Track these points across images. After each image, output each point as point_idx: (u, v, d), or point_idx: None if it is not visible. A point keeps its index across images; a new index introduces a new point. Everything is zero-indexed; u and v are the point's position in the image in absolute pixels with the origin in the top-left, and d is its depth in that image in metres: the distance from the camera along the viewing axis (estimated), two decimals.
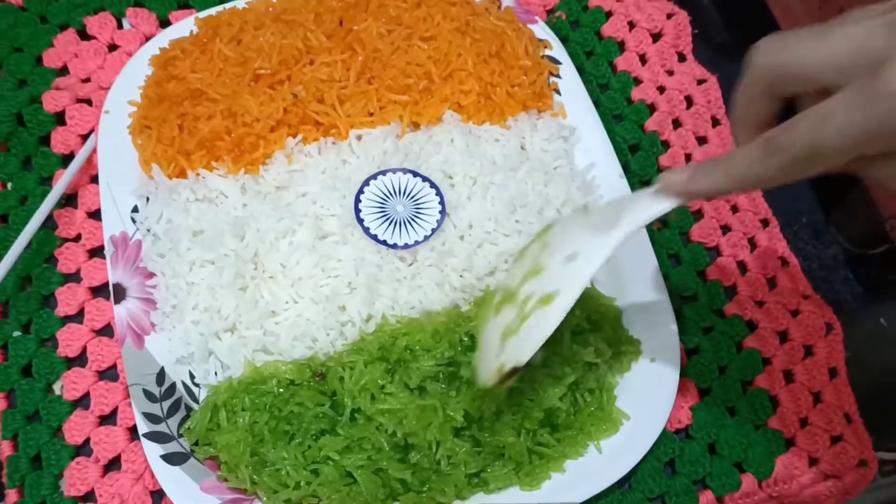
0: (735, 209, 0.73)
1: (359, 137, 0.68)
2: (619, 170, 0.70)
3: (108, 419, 0.62)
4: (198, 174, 0.66)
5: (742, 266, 0.71)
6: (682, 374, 0.65)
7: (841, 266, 0.73)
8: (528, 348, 0.47)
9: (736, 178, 0.40)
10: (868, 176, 0.37)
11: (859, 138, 0.34)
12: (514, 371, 0.48)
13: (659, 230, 0.72)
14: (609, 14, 0.82)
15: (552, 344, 0.61)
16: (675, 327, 0.64)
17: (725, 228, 0.73)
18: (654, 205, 0.44)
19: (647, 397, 0.63)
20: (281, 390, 0.59)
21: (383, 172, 0.66)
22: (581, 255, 0.46)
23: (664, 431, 0.63)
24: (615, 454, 0.61)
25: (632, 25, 0.81)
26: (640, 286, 0.66)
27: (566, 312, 0.46)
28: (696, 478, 0.63)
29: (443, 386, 0.59)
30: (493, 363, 0.49)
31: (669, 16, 0.81)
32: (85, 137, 0.70)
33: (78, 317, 0.65)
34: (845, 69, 0.34)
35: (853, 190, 0.73)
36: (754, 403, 0.66)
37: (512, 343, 0.48)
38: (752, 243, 0.72)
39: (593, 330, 0.63)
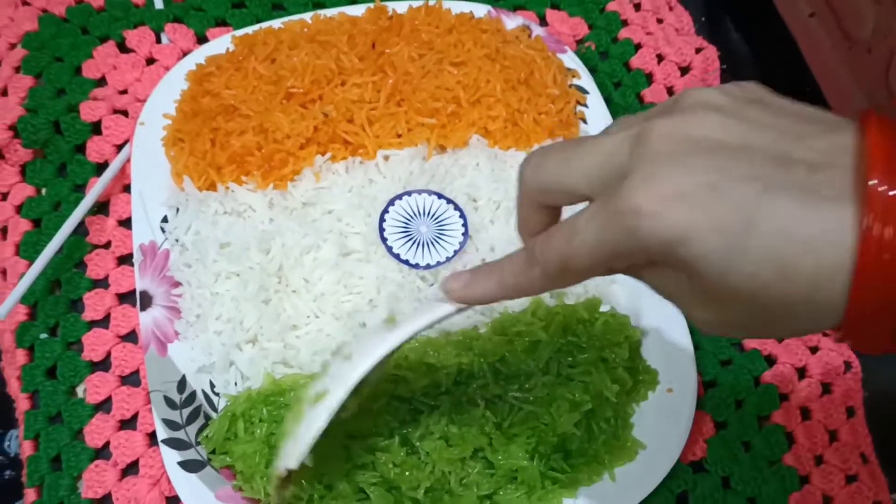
0: None
1: (386, 158, 0.70)
2: None
3: (128, 424, 0.63)
4: (227, 188, 0.67)
5: None
6: (699, 407, 0.65)
7: None
8: (298, 450, 0.48)
9: (506, 287, 0.41)
10: (643, 282, 0.37)
11: (603, 253, 0.34)
12: (290, 476, 0.49)
13: None
14: (638, 46, 0.83)
15: (575, 367, 0.62)
16: (693, 359, 0.65)
17: None
18: (436, 309, 0.45)
19: (663, 428, 0.63)
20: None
21: (408, 193, 0.67)
22: (356, 355, 0.48)
23: (678, 463, 0.63)
24: (628, 483, 0.61)
25: (660, 58, 0.82)
26: (658, 317, 0.66)
27: (334, 411, 0.47)
28: None
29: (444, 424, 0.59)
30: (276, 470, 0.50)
31: (698, 50, 0.82)
32: (119, 147, 0.72)
33: (104, 322, 0.66)
34: (596, 182, 0.35)
35: None
36: (770, 439, 0.65)
37: (287, 445, 0.49)
38: None
39: (615, 362, 0.63)
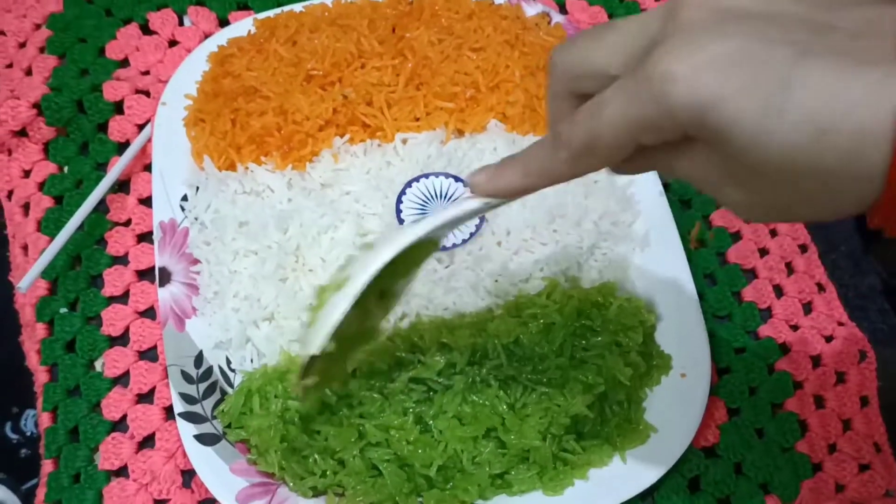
0: (774, 233, 0.74)
1: (404, 141, 0.70)
2: (660, 187, 0.71)
3: (145, 398, 0.64)
4: (247, 168, 0.68)
5: (778, 290, 0.71)
6: (713, 393, 0.65)
7: (877, 296, 0.73)
8: (319, 335, 0.46)
9: (531, 174, 0.39)
10: (671, 173, 0.36)
11: (631, 126, 0.32)
12: (313, 363, 0.48)
13: (696, 249, 0.72)
14: None
15: (589, 350, 0.62)
16: (707, 345, 0.65)
17: (763, 252, 0.73)
18: (463, 204, 0.44)
19: (676, 412, 0.63)
20: None
21: (426, 175, 0.67)
22: (379, 244, 0.46)
23: (690, 448, 0.63)
24: (640, 466, 0.61)
25: None
26: (674, 303, 0.67)
27: (355, 297, 0.45)
28: (720, 496, 0.63)
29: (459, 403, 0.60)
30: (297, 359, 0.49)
31: None
32: (141, 127, 0.73)
33: (123, 298, 0.67)
34: (629, 58, 0.34)
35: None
36: (783, 426, 0.65)
37: (309, 333, 0.47)
38: (790, 268, 0.72)
39: (629, 346, 0.63)
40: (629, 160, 0.35)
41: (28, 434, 0.75)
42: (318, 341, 0.46)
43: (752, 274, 0.72)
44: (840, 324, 0.70)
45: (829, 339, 0.69)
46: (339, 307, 0.45)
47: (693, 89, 0.30)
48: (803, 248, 0.73)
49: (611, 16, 0.84)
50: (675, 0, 0.32)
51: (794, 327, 0.69)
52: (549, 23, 0.79)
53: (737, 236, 0.74)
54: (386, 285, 0.48)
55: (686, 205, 0.75)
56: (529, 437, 0.59)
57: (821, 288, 0.72)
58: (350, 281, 0.45)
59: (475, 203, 0.43)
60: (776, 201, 0.32)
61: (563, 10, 0.84)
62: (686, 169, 0.34)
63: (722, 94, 0.29)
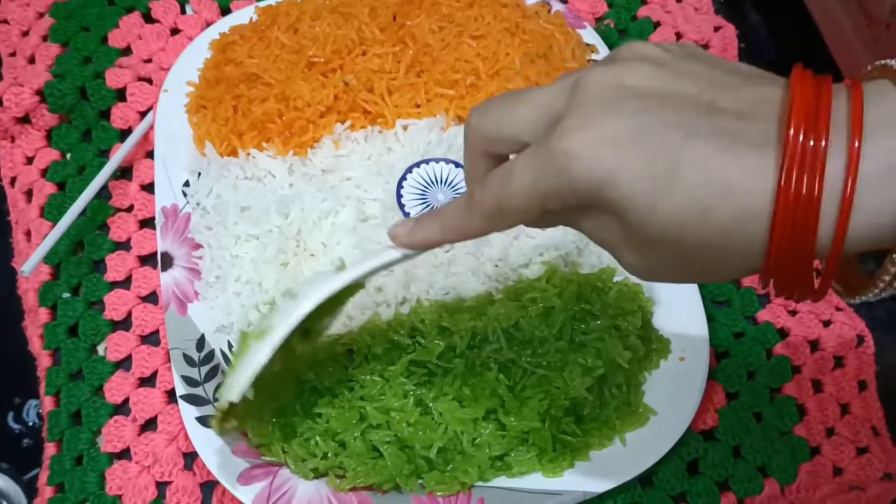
0: None
1: (405, 127, 0.70)
2: None
3: (147, 381, 0.64)
4: (248, 154, 0.68)
5: None
6: (711, 377, 0.65)
7: None
8: (239, 384, 0.49)
9: (447, 230, 0.42)
10: (579, 229, 0.38)
11: (536, 195, 0.35)
12: (232, 409, 0.50)
13: None
14: (657, 24, 0.83)
15: (588, 333, 0.62)
16: (706, 330, 0.65)
17: None
18: (383, 255, 0.46)
19: (674, 395, 0.63)
20: (305, 367, 0.60)
21: (426, 161, 0.68)
22: (301, 295, 0.49)
23: (689, 431, 0.63)
24: (639, 448, 0.61)
25: (679, 36, 0.82)
26: (672, 288, 0.67)
27: (275, 348, 0.48)
28: (719, 479, 0.63)
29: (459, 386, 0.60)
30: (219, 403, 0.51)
31: (717, 29, 0.83)
32: (143, 114, 0.73)
33: (125, 283, 0.67)
34: (536, 130, 0.36)
35: None
36: (781, 410, 0.66)
37: (229, 380, 0.50)
38: None
39: (628, 330, 0.64)
40: (537, 221, 0.38)
41: (30, 424, 0.75)
42: (238, 389, 0.49)
43: None
44: (838, 309, 0.70)
45: (827, 323, 0.69)
46: (259, 356, 0.48)
47: (589, 167, 0.32)
48: None
49: (610, 5, 0.85)
50: (580, 78, 0.34)
51: (793, 312, 0.70)
52: (549, 11, 0.79)
53: None
54: (311, 324, 0.50)
55: None
56: (529, 420, 0.59)
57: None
58: (271, 331, 0.48)
59: (395, 253, 0.46)
60: (670, 267, 0.35)
61: None
62: (589, 230, 0.37)
63: (615, 173, 0.31)
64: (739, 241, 0.31)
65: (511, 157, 0.39)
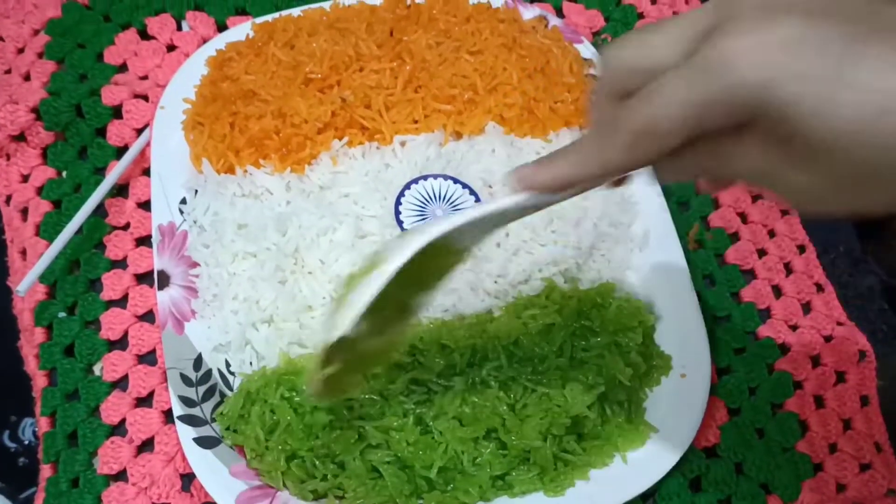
0: (772, 234, 0.74)
1: (402, 143, 0.70)
2: (658, 188, 0.71)
3: (144, 402, 0.63)
4: (245, 171, 0.68)
5: (777, 290, 0.71)
6: (713, 393, 0.65)
7: (877, 296, 0.73)
8: (349, 315, 0.44)
9: (585, 163, 0.38)
10: (723, 169, 0.36)
11: (691, 106, 0.33)
12: (339, 348, 0.45)
13: (695, 251, 0.72)
14: None
15: (589, 350, 0.62)
16: (707, 346, 0.65)
17: (762, 252, 0.73)
18: (507, 198, 0.42)
19: (676, 413, 0.63)
20: (304, 387, 0.60)
21: (424, 177, 0.68)
22: (419, 229, 0.44)
23: (691, 448, 0.63)
24: (641, 466, 0.61)
25: None
26: (673, 304, 0.67)
27: (389, 276, 0.43)
28: (722, 497, 0.63)
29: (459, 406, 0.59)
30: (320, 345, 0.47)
31: None
32: (139, 131, 0.73)
33: (122, 302, 0.67)
34: (682, 51, 0.34)
35: (892, 220, 0.73)
36: (783, 426, 0.65)
37: (337, 316, 0.45)
38: (788, 268, 0.73)
39: (629, 346, 0.63)
40: (679, 158, 0.35)
41: (26, 443, 0.75)
42: (346, 322, 0.44)
43: (750, 274, 0.72)
44: (839, 323, 0.70)
45: (828, 338, 0.69)
46: (370, 288, 0.43)
47: (756, 66, 0.30)
48: (801, 249, 0.73)
49: (607, 19, 0.85)
50: None
51: (794, 327, 0.69)
52: (546, 26, 0.79)
53: (735, 237, 0.74)
54: (407, 296, 0.46)
55: (684, 206, 0.75)
56: (530, 438, 0.59)
57: (819, 288, 0.72)
58: (382, 263, 0.43)
59: (517, 198, 0.41)
60: (837, 185, 0.32)
61: (559, 13, 0.84)
62: (741, 160, 0.34)
63: (784, 72, 0.30)
64: None
65: None
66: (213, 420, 0.60)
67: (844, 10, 0.31)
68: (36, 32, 0.78)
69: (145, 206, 0.70)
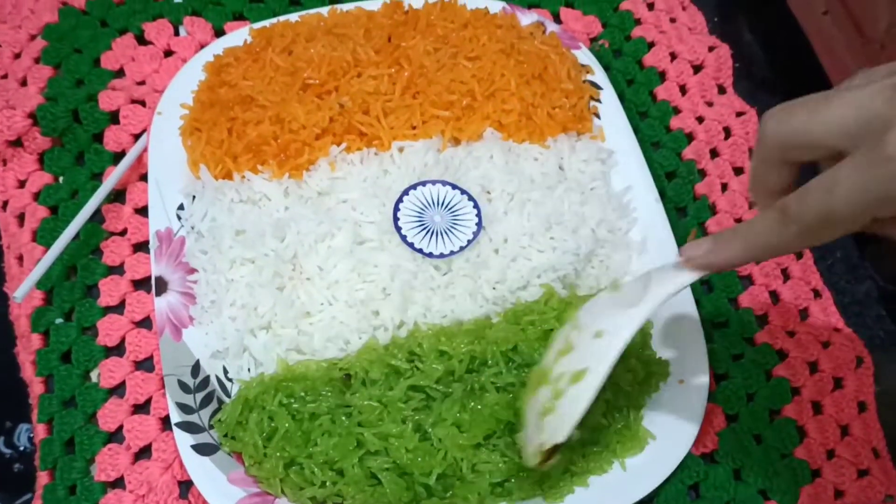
0: None
1: (401, 149, 0.70)
2: (656, 194, 0.71)
3: (141, 408, 0.63)
4: (243, 176, 0.68)
5: (774, 296, 0.71)
6: (711, 400, 0.65)
7: (874, 302, 0.73)
8: (565, 426, 0.49)
9: (755, 249, 0.41)
10: (891, 236, 0.38)
11: (868, 204, 0.34)
12: (556, 448, 0.50)
13: None
14: (651, 44, 0.83)
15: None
16: (704, 352, 0.65)
17: None
18: (677, 279, 0.46)
19: (674, 419, 0.63)
20: (303, 394, 0.60)
21: (423, 183, 0.67)
22: (607, 333, 0.49)
23: (689, 454, 0.63)
24: (640, 473, 0.61)
25: (673, 56, 0.83)
26: (671, 310, 0.67)
27: (597, 389, 0.48)
28: (720, 503, 0.63)
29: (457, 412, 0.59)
30: (534, 442, 0.52)
31: (711, 49, 0.83)
32: (137, 137, 0.73)
33: (119, 308, 0.66)
34: (852, 135, 0.35)
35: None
36: (781, 432, 0.65)
37: (549, 421, 0.50)
38: (786, 274, 0.73)
39: (628, 351, 0.63)
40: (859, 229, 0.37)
41: (21, 449, 0.74)
42: (565, 431, 0.49)
43: (748, 280, 0.72)
44: (836, 330, 0.70)
45: (826, 344, 0.69)
46: (583, 400, 0.49)
47: None
48: (799, 255, 0.73)
49: (605, 25, 0.85)
50: None
51: (791, 333, 0.69)
52: (543, 32, 0.79)
53: None
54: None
55: (682, 212, 0.75)
56: None
57: (817, 294, 0.72)
58: (588, 374, 0.49)
59: (689, 276, 0.46)
60: None
61: (557, 19, 0.85)
62: None
63: None
64: None
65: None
66: (211, 427, 0.60)
67: None
68: (33, 37, 0.77)
69: (142, 211, 0.70)
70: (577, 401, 0.49)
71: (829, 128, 0.36)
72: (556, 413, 0.50)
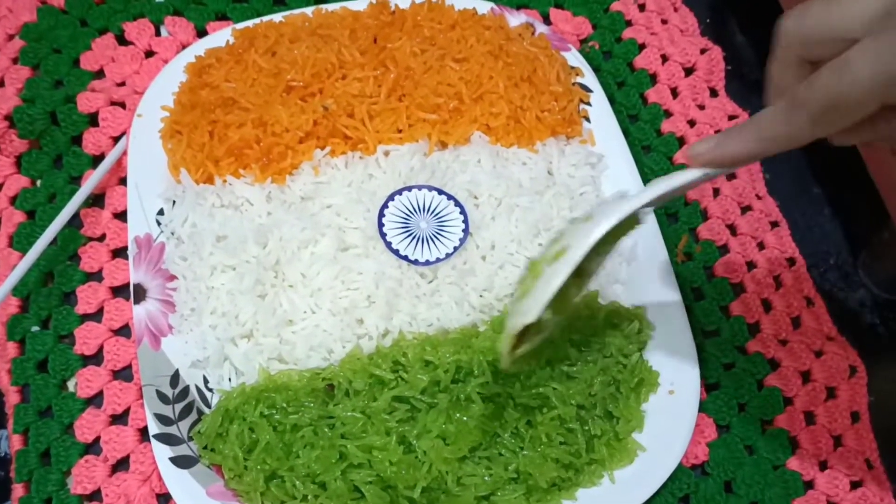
0: (761, 246, 0.73)
1: (386, 153, 0.69)
2: None
3: (119, 419, 0.62)
4: (225, 181, 0.67)
5: (766, 304, 0.70)
6: (701, 410, 0.64)
7: (868, 310, 0.72)
8: (538, 303, 0.46)
9: (765, 140, 0.40)
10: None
11: (880, 83, 0.33)
12: (526, 331, 0.47)
13: (683, 263, 0.71)
14: (642, 46, 0.82)
15: (574, 365, 0.61)
16: (695, 361, 0.64)
17: (751, 265, 0.72)
18: (681, 175, 0.44)
19: (664, 430, 0.62)
20: (285, 404, 0.59)
21: (408, 188, 0.66)
22: (596, 216, 0.46)
23: (680, 466, 0.61)
24: (629, 485, 0.60)
25: (665, 59, 0.81)
26: (661, 318, 0.66)
27: (574, 265, 0.45)
28: None
29: (443, 423, 0.58)
30: (508, 328, 0.49)
31: (703, 51, 0.81)
32: (116, 139, 0.71)
33: (97, 315, 0.65)
34: (868, 23, 0.34)
35: (882, 233, 0.72)
36: (773, 443, 0.64)
37: (524, 302, 0.47)
38: (778, 282, 0.71)
39: (618, 360, 0.62)
40: (862, 127, 0.36)
41: (1, 455, 0.73)
42: (536, 309, 0.46)
43: (739, 287, 0.71)
44: (829, 338, 0.69)
45: (818, 353, 0.68)
46: (558, 275, 0.46)
47: None
48: (791, 262, 0.72)
49: (595, 26, 0.83)
50: None
51: (783, 342, 0.68)
52: (532, 33, 0.78)
53: (724, 249, 0.73)
54: (583, 263, 0.47)
55: (673, 218, 0.74)
56: (515, 458, 0.58)
57: (809, 302, 0.71)
58: (569, 250, 0.46)
59: (695, 173, 0.43)
60: None
61: (546, 20, 0.83)
62: None
63: None
64: None
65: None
66: (191, 439, 0.59)
67: None
68: (10, 37, 0.76)
69: (121, 216, 0.68)
70: (552, 277, 0.46)
71: (848, 18, 0.35)
72: (532, 293, 0.47)
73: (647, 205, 0.46)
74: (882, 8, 0.34)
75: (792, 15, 0.38)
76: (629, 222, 0.48)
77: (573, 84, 0.75)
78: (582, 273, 0.48)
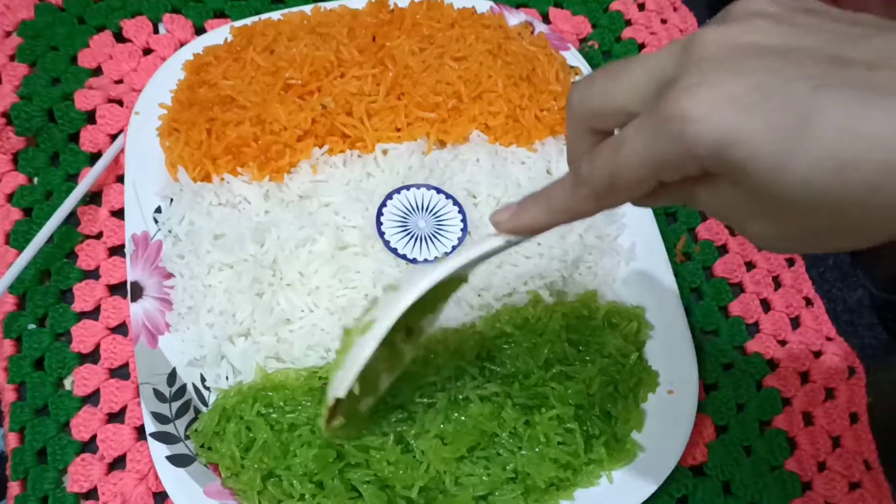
0: None
1: (384, 152, 0.68)
2: None
3: (116, 417, 0.61)
4: (223, 179, 0.66)
5: (765, 304, 0.70)
6: (700, 410, 0.63)
7: (867, 311, 0.72)
8: (346, 379, 0.47)
9: (555, 211, 0.40)
10: (694, 206, 0.36)
11: (650, 164, 0.33)
12: (338, 404, 0.48)
13: (682, 263, 0.71)
14: (642, 46, 0.82)
15: (573, 365, 0.61)
16: (694, 361, 0.63)
17: (750, 265, 0.72)
18: (486, 242, 0.44)
19: (663, 430, 0.61)
20: (282, 403, 0.58)
21: (407, 187, 0.66)
22: (403, 286, 0.46)
23: (678, 466, 0.61)
24: (627, 485, 0.59)
25: None
26: (660, 319, 0.65)
27: (380, 339, 0.46)
28: None
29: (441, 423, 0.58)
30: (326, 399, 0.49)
31: None
32: (114, 137, 0.71)
33: (94, 313, 0.65)
34: (646, 96, 0.34)
35: None
36: (772, 444, 0.64)
37: (337, 376, 0.48)
38: (777, 282, 0.71)
39: (617, 361, 0.62)
40: (650, 195, 0.35)
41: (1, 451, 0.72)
42: (345, 384, 0.46)
43: (738, 288, 0.71)
44: (828, 339, 0.69)
45: (817, 354, 0.68)
46: (365, 349, 0.46)
47: (711, 127, 0.29)
48: (790, 262, 0.72)
49: (594, 25, 0.83)
50: (690, 37, 0.32)
51: (782, 342, 0.68)
52: (532, 32, 0.78)
53: (723, 249, 0.72)
54: (412, 322, 0.48)
55: (671, 217, 0.74)
56: (513, 458, 0.58)
57: (808, 302, 0.70)
58: (375, 323, 0.46)
59: (497, 241, 0.43)
60: (803, 233, 0.32)
61: (545, 19, 0.83)
62: (708, 203, 0.35)
63: (737, 132, 0.29)
64: (883, 198, 0.28)
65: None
66: (188, 437, 0.59)
67: (814, 46, 0.30)
68: (8, 34, 0.75)
69: (119, 214, 0.68)
70: (360, 351, 0.46)
71: (626, 92, 0.35)
72: (342, 367, 0.47)
73: (456, 272, 0.46)
74: (654, 85, 0.33)
75: (578, 87, 0.38)
76: (453, 282, 0.48)
77: (572, 83, 0.75)
78: (413, 331, 0.50)
